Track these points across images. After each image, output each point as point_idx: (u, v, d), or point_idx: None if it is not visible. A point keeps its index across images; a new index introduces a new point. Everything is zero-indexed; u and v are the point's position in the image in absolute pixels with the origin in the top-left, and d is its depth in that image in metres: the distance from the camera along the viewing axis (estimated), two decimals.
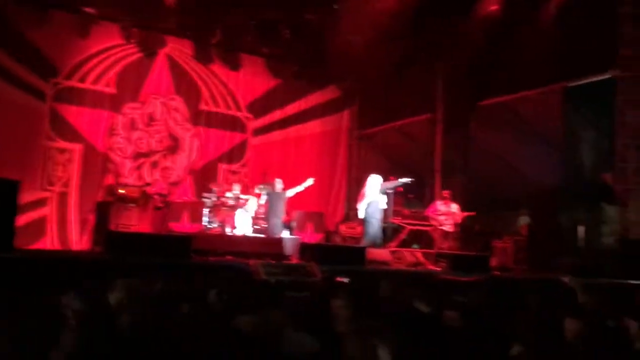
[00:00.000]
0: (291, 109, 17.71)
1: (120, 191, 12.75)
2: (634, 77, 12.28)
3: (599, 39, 12.52)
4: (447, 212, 12.87)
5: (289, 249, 12.12)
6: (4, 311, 3.43)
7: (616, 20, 12.41)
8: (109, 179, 14.66)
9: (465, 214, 13.76)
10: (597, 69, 12.95)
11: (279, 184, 12.95)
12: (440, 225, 12.81)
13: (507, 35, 13.70)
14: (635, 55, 12.24)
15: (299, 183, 15.80)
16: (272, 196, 12.89)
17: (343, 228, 15.35)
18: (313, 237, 14.70)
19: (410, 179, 13.16)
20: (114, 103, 15.06)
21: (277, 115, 17.49)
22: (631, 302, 5.61)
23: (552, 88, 13.57)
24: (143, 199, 12.79)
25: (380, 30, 13.41)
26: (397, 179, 13.42)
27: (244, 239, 12.35)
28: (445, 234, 12.99)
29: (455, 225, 13.21)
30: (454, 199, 13.64)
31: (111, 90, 14.97)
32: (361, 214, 12.56)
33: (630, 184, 12.24)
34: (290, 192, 12.99)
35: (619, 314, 4.30)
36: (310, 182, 12.92)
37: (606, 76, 12.80)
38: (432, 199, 14.68)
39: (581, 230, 13.31)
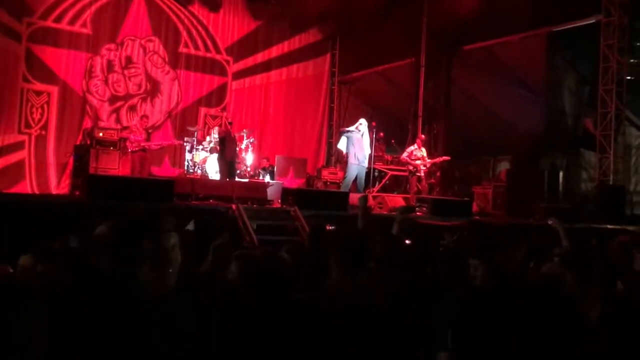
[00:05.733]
0: (272, 52, 17.44)
1: (100, 134, 12.55)
2: (618, 22, 12.24)
3: None
4: (422, 157, 12.86)
5: (271, 193, 12.10)
6: None
7: None
8: (87, 122, 14.42)
9: (440, 158, 13.74)
10: (581, 13, 12.86)
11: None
12: (417, 170, 12.81)
13: None
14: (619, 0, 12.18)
15: (279, 127, 15.75)
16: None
17: (325, 173, 15.33)
18: (294, 182, 14.68)
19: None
20: (91, 44, 14.67)
21: (257, 58, 17.21)
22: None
23: (535, 32, 13.46)
24: (122, 143, 12.62)
25: None
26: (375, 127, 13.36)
27: (226, 183, 12.27)
28: (419, 178, 13.02)
29: (426, 170, 13.20)
30: (426, 144, 13.61)
31: (87, 31, 14.57)
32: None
33: (611, 130, 12.34)
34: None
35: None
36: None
37: (590, 21, 12.74)
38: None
39: (560, 175, 13.45)
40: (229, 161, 11.71)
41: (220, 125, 14.19)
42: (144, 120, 13.15)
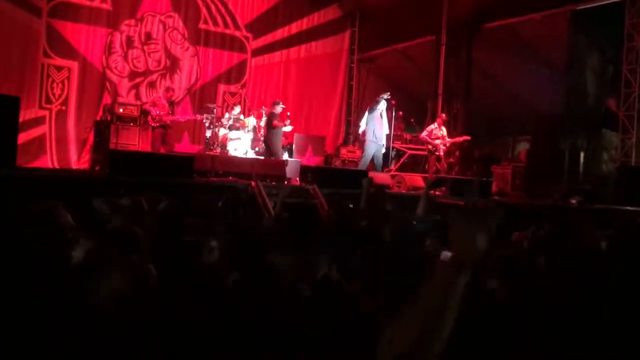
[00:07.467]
0: (291, 29, 17.33)
1: (120, 110, 12.60)
2: None
3: None
4: (442, 137, 12.81)
5: (289, 171, 12.13)
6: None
7: None
8: (107, 98, 14.47)
9: (460, 138, 13.67)
10: None
11: (279, 107, 13.02)
12: (436, 149, 12.77)
13: None
14: None
15: (298, 105, 15.81)
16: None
17: (343, 151, 15.32)
18: (312, 159, 14.68)
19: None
20: (111, 20, 14.66)
21: (277, 35, 17.12)
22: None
23: (558, 11, 13.26)
24: (143, 119, 12.67)
25: None
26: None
27: (245, 160, 12.32)
28: (438, 158, 12.98)
29: (446, 149, 13.18)
30: (446, 123, 13.57)
31: (107, 6, 14.55)
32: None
33: (634, 110, 12.18)
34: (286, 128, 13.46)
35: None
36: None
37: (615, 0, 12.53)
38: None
39: (581, 156, 13.32)
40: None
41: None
42: (169, 93, 13.22)
